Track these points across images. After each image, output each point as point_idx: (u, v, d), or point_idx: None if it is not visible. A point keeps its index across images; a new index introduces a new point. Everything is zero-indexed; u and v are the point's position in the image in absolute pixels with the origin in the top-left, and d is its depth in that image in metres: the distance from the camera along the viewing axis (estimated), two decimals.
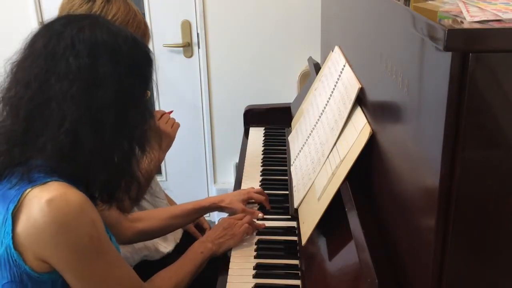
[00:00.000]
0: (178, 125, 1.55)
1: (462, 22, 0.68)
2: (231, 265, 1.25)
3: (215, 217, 2.76)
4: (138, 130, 0.99)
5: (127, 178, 1.00)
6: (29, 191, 0.89)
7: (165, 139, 1.51)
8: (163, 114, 1.53)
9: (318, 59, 2.18)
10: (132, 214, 1.35)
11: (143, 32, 1.37)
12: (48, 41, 0.93)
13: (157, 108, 2.74)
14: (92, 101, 0.92)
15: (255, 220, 1.41)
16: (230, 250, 1.31)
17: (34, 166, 0.91)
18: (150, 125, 1.03)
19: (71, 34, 0.93)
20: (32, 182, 0.89)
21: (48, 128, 0.91)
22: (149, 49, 1.06)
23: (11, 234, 0.88)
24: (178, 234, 1.61)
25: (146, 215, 1.39)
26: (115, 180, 0.99)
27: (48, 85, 0.91)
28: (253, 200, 1.51)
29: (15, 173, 0.91)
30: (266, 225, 1.40)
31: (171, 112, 1.56)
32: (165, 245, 1.52)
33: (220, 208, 1.45)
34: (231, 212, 1.49)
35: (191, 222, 1.51)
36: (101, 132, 0.93)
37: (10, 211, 0.88)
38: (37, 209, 0.87)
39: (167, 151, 1.53)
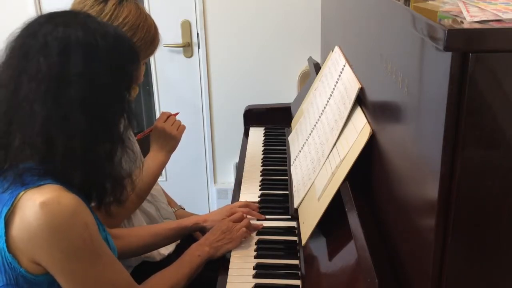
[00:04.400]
0: (184, 128, 1.53)
1: (462, 22, 0.68)
2: (231, 265, 1.25)
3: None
4: (116, 129, 0.98)
5: (108, 179, 0.99)
6: (23, 194, 0.88)
7: (170, 141, 1.49)
8: (169, 116, 1.52)
9: (318, 59, 2.18)
10: (112, 230, 1.30)
11: (153, 37, 1.36)
12: (23, 41, 0.93)
13: (157, 109, 2.75)
14: (62, 100, 0.90)
15: (254, 220, 1.41)
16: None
17: (25, 169, 0.91)
18: (132, 124, 1.01)
19: (45, 32, 0.92)
20: (25, 185, 0.89)
21: (23, 130, 0.90)
22: (133, 45, 1.03)
23: (4, 238, 0.88)
24: None
25: (127, 232, 1.34)
26: (94, 181, 0.98)
27: (20, 86, 0.90)
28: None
29: (6, 177, 0.91)
30: (266, 225, 1.40)
31: (177, 114, 1.55)
32: (166, 246, 1.52)
33: (203, 228, 1.40)
34: None
35: (173, 242, 1.45)
36: (72, 131, 0.91)
37: (3, 215, 0.88)
38: (31, 211, 0.87)
39: (171, 153, 1.52)
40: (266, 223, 1.41)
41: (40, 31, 0.92)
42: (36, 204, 0.86)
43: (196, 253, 1.25)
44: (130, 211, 1.44)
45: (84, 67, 0.91)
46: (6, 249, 0.89)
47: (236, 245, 1.30)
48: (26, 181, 0.89)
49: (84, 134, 0.92)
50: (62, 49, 0.91)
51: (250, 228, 1.35)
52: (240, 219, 1.36)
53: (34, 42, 0.92)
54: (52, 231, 0.87)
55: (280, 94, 2.56)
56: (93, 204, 1.03)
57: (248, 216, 1.42)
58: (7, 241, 0.89)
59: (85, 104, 0.92)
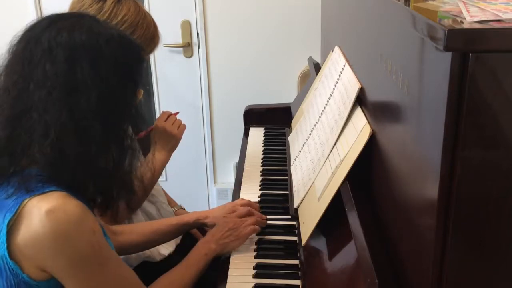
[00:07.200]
0: (184, 127, 1.54)
1: (462, 22, 0.68)
2: (231, 265, 1.25)
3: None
4: (126, 134, 0.97)
5: (119, 185, 0.98)
6: (28, 201, 0.87)
7: (171, 140, 1.50)
8: (170, 115, 1.53)
9: (318, 59, 2.18)
10: (114, 226, 1.31)
11: (152, 34, 1.36)
12: (26, 45, 0.90)
13: (157, 109, 2.75)
14: (75, 109, 0.89)
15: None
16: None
17: (31, 175, 0.89)
18: (141, 128, 1.01)
19: (49, 37, 0.89)
20: (30, 191, 0.88)
21: (33, 138, 0.89)
22: (139, 46, 1.01)
23: (5, 244, 0.87)
24: None
25: (129, 229, 1.33)
26: (106, 188, 0.97)
27: (27, 93, 0.89)
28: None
29: (11, 183, 0.89)
30: (266, 224, 1.40)
31: (177, 113, 1.56)
32: (166, 246, 1.52)
33: (204, 225, 1.40)
34: None
35: (174, 238, 1.43)
36: (87, 140, 0.90)
37: (6, 221, 0.87)
38: (36, 219, 0.86)
39: (172, 152, 1.52)
40: (266, 223, 1.41)
41: (43, 36, 0.90)
42: (42, 212, 0.85)
43: (203, 251, 1.24)
44: (134, 210, 1.45)
45: (93, 72, 0.90)
46: (7, 256, 0.87)
47: (242, 243, 1.28)
48: (31, 187, 0.88)
49: (97, 141, 0.91)
50: (68, 55, 0.89)
51: (258, 225, 1.33)
52: (246, 215, 1.34)
53: (38, 47, 0.89)
54: (58, 239, 0.86)
55: (280, 94, 2.56)
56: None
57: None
58: (8, 247, 0.87)
59: (97, 111, 0.90)
